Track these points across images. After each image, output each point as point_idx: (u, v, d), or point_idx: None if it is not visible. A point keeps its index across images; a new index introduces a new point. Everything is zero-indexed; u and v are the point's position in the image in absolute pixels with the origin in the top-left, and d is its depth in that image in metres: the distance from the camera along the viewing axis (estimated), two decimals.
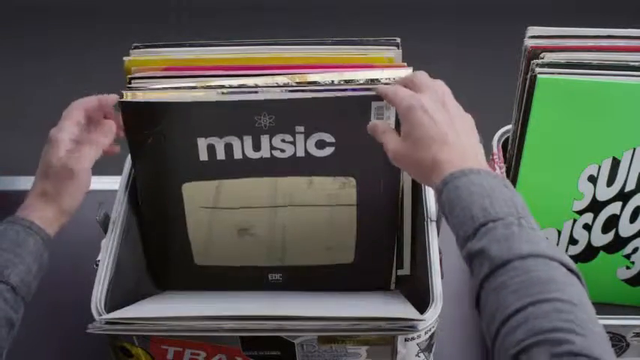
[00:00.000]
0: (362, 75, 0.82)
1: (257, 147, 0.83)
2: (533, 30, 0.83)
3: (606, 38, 0.83)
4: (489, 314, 0.59)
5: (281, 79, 0.82)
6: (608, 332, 0.80)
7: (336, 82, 0.82)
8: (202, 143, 0.83)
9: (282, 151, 0.84)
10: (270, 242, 0.91)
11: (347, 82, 0.82)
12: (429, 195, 0.88)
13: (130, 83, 0.82)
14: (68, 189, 0.77)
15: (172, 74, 0.83)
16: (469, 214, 0.63)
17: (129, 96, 0.81)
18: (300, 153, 0.84)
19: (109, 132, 0.81)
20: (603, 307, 0.97)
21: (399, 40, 0.84)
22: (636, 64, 0.81)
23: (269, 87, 0.81)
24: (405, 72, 0.83)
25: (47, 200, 0.76)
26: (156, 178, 0.87)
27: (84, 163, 0.78)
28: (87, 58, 2.22)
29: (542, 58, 0.82)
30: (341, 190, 0.87)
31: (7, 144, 2.02)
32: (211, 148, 0.83)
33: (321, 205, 0.88)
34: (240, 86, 0.81)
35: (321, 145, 0.84)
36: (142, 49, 0.84)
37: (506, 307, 0.57)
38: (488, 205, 0.63)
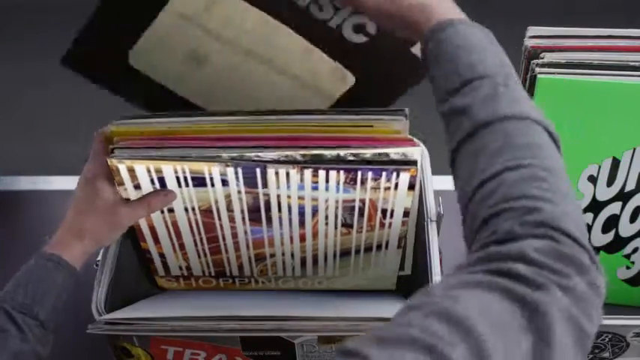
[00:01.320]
0: (369, 151, 0.75)
1: None
2: (533, 30, 0.83)
3: (606, 38, 0.83)
4: (465, 176, 0.57)
5: (279, 155, 0.75)
6: (608, 332, 0.80)
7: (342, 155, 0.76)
8: None
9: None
10: None
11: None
12: (429, 195, 0.88)
13: (112, 151, 0.76)
14: (105, 234, 0.78)
15: (155, 144, 0.76)
16: (454, 68, 0.60)
17: (115, 165, 0.75)
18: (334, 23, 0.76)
19: (167, 201, 0.79)
20: (603, 307, 0.97)
21: (407, 109, 0.77)
22: (636, 64, 0.81)
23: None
24: (416, 150, 0.76)
25: (79, 239, 0.76)
26: None
27: (133, 216, 0.78)
28: None
29: (542, 58, 0.82)
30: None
31: (7, 144, 2.02)
32: None
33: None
34: None
35: (357, 29, 0.77)
36: (126, 121, 0.77)
37: (482, 170, 0.55)
38: (476, 62, 0.60)
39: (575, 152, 0.86)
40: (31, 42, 2.36)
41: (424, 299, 0.48)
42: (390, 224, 0.83)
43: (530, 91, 0.82)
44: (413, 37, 0.67)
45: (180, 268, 0.90)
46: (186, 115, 0.78)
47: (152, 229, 0.84)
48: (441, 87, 0.61)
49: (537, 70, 0.81)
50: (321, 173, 0.76)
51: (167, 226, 0.84)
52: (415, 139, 0.77)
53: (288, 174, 0.76)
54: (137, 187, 0.78)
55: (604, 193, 0.88)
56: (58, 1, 2.39)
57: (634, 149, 0.84)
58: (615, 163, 0.86)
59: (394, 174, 0.76)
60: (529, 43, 0.82)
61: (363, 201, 0.80)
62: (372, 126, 0.76)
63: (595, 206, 0.89)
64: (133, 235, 0.86)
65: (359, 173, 0.76)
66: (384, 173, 0.76)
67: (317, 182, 0.77)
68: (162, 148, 0.75)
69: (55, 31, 2.37)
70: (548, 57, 0.82)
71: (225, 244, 0.86)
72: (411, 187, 0.78)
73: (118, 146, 0.75)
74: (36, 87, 2.20)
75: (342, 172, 0.76)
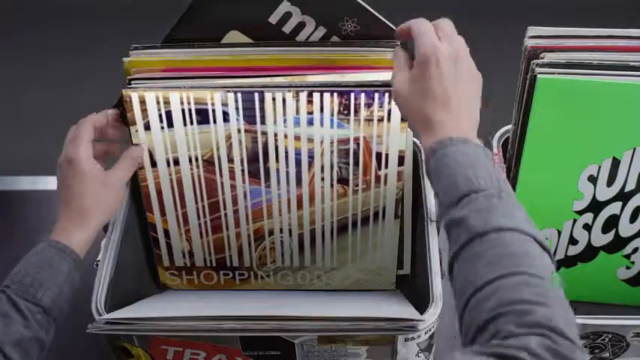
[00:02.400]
0: (363, 77, 0.82)
1: None
2: (533, 30, 0.83)
3: (606, 38, 0.83)
4: (462, 283, 0.61)
5: (280, 81, 0.82)
6: (608, 332, 0.80)
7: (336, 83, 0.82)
8: None
9: None
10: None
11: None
12: (429, 195, 0.88)
13: (129, 84, 0.82)
14: (109, 203, 0.81)
15: (172, 75, 0.83)
16: (454, 182, 0.65)
17: (129, 94, 0.81)
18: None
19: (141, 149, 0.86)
20: (603, 307, 0.97)
21: (399, 42, 0.83)
22: (636, 64, 0.81)
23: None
24: None
25: (84, 219, 0.79)
26: None
27: (124, 176, 0.83)
28: (87, 58, 2.22)
29: (542, 58, 0.82)
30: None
31: (7, 144, 2.02)
32: None
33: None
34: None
35: None
36: (141, 50, 0.84)
37: (478, 278, 0.58)
38: (472, 176, 0.64)
39: (575, 152, 0.86)
40: (31, 42, 2.36)
41: None
42: (386, 178, 0.87)
43: (530, 91, 0.82)
44: (415, 136, 0.73)
45: (184, 254, 0.93)
46: (198, 46, 0.84)
47: (159, 193, 0.88)
48: (442, 201, 0.66)
49: (537, 70, 0.81)
50: (316, 97, 0.82)
51: (172, 187, 0.88)
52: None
53: (284, 100, 0.82)
54: (147, 127, 0.84)
55: (604, 193, 0.88)
56: (58, 1, 2.39)
57: (634, 149, 0.84)
58: (615, 163, 0.86)
59: (386, 96, 0.82)
60: (529, 43, 0.82)
61: (357, 141, 0.84)
62: (367, 56, 0.83)
63: (595, 206, 0.89)
64: (140, 214, 0.90)
65: (352, 98, 0.82)
66: (376, 96, 0.82)
67: (312, 112, 0.83)
68: (174, 79, 0.82)
69: (55, 31, 2.37)
70: (548, 57, 0.82)
71: (226, 217, 0.90)
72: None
73: (134, 77, 0.82)
74: (36, 87, 2.20)
75: (335, 96, 0.82)
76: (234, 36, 0.85)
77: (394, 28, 0.84)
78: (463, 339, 0.59)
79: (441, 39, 0.72)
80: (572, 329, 0.54)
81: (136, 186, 0.90)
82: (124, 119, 0.84)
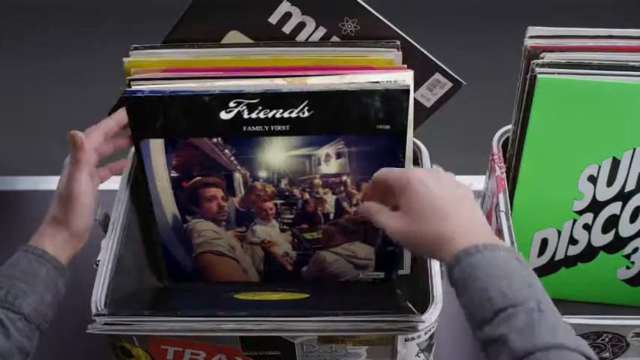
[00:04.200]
0: (363, 78, 0.82)
1: None
2: (533, 30, 0.83)
3: (606, 38, 0.83)
4: None
5: (280, 82, 0.82)
6: (608, 332, 0.80)
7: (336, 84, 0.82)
8: None
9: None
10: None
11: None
12: None
13: (129, 85, 0.82)
14: (74, 212, 0.77)
15: (172, 75, 0.83)
16: (486, 296, 0.61)
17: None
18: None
19: (116, 170, 0.87)
20: (603, 307, 0.97)
21: (399, 42, 0.84)
22: (636, 64, 0.81)
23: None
24: (406, 74, 0.83)
25: (58, 225, 0.77)
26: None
27: (83, 186, 0.78)
28: (87, 58, 2.22)
29: (542, 58, 0.82)
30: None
31: (7, 144, 2.02)
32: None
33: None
34: None
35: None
36: (141, 50, 0.84)
37: None
38: (507, 289, 0.61)
39: (575, 152, 0.86)
40: (31, 42, 2.36)
41: None
42: None
43: (530, 91, 0.82)
44: (434, 259, 0.70)
45: None
46: (198, 46, 0.84)
47: None
48: (473, 317, 0.62)
49: (537, 70, 0.81)
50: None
51: None
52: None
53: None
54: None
55: (604, 193, 0.88)
56: (58, 2, 2.40)
57: (634, 149, 0.84)
58: (615, 163, 0.86)
59: None
60: (529, 43, 0.83)
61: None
62: (366, 57, 0.83)
63: (595, 206, 0.89)
64: (140, 214, 0.90)
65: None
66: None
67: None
68: (174, 79, 0.81)
69: (55, 31, 2.37)
70: (548, 57, 0.82)
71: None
72: None
73: (134, 77, 0.82)
74: (36, 87, 2.21)
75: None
76: (234, 36, 0.85)
77: (394, 28, 0.84)
78: None
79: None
80: None
81: (134, 186, 0.90)
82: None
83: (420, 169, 0.71)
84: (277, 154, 0.83)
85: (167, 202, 0.88)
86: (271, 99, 0.79)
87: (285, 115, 0.79)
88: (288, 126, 0.80)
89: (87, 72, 2.16)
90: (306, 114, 0.79)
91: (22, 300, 0.71)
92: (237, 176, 0.85)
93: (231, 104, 0.79)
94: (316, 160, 0.84)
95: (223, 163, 0.84)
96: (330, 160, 0.83)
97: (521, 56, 0.83)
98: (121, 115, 0.82)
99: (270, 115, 0.79)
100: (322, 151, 0.83)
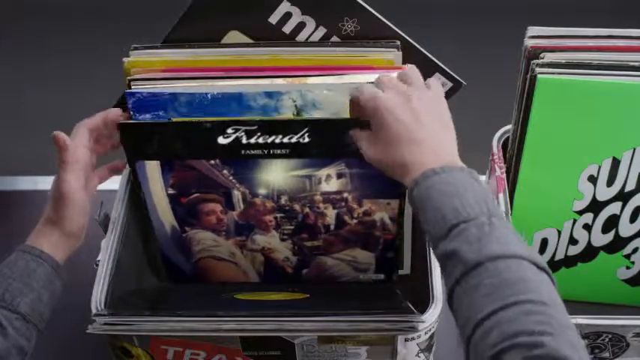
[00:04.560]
0: (362, 78, 0.82)
1: None
2: (533, 30, 0.83)
3: (606, 38, 0.83)
4: (463, 317, 0.60)
5: (280, 82, 0.82)
6: (608, 332, 0.80)
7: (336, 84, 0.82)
8: None
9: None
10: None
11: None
12: None
13: (129, 85, 0.82)
14: (65, 212, 0.77)
15: (172, 75, 0.83)
16: (440, 214, 0.63)
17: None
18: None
19: (115, 169, 0.88)
20: (603, 307, 0.97)
21: (399, 42, 0.84)
22: (636, 64, 0.81)
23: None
24: None
25: (52, 225, 0.78)
26: None
27: (71, 185, 0.78)
28: (87, 59, 2.22)
29: (542, 58, 0.82)
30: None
31: (7, 144, 2.02)
32: None
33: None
34: None
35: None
36: (141, 51, 0.84)
37: (478, 310, 0.57)
38: (459, 206, 0.63)
39: (575, 152, 0.86)
40: (31, 42, 2.36)
41: None
42: None
43: (530, 91, 0.82)
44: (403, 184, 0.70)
45: None
46: (198, 46, 0.84)
47: None
48: (431, 234, 0.65)
49: (537, 70, 0.81)
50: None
51: None
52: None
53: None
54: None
55: (604, 193, 0.88)
56: (58, 2, 2.39)
57: (634, 149, 0.84)
58: (615, 163, 0.86)
59: None
60: (529, 43, 0.83)
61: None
62: (366, 57, 0.82)
63: (595, 206, 0.89)
64: (140, 214, 0.89)
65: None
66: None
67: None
68: (174, 79, 0.81)
69: (55, 31, 2.37)
70: (548, 57, 0.82)
71: None
72: None
73: (134, 77, 0.81)
74: (36, 87, 2.20)
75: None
76: (234, 36, 0.85)
77: (394, 28, 0.84)
78: None
79: (384, 90, 0.72)
80: (580, 354, 0.54)
81: (134, 186, 0.90)
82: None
83: (388, 93, 0.71)
84: (277, 175, 0.83)
85: (165, 215, 0.88)
86: (270, 126, 0.78)
87: (285, 140, 0.79)
88: (287, 150, 0.80)
89: (87, 72, 2.16)
90: (307, 139, 0.79)
91: (19, 299, 0.71)
92: (236, 193, 0.85)
93: (229, 130, 0.78)
94: (317, 179, 0.83)
95: (222, 182, 0.84)
96: (330, 180, 0.83)
97: (521, 56, 0.83)
98: (110, 114, 0.82)
99: (269, 140, 0.79)
100: (323, 172, 0.82)
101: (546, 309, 0.56)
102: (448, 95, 0.89)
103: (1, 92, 2.19)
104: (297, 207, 0.86)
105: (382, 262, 0.91)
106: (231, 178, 0.83)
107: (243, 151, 0.80)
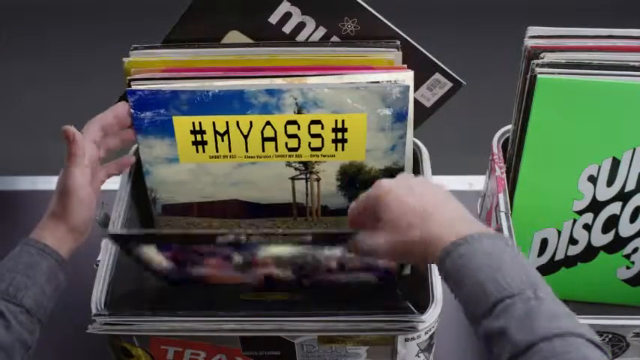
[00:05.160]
0: (362, 78, 0.82)
1: None
2: (533, 30, 0.83)
3: (606, 38, 0.83)
4: None
5: (280, 82, 0.82)
6: (608, 332, 0.80)
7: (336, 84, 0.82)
8: None
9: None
10: None
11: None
12: None
13: (129, 84, 0.82)
14: (70, 206, 0.77)
15: (172, 75, 0.83)
16: (481, 289, 0.59)
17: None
18: None
19: (122, 166, 0.87)
20: (603, 307, 0.97)
21: (399, 42, 0.84)
22: (636, 64, 0.81)
23: None
24: (406, 74, 0.83)
25: (57, 219, 0.77)
26: None
27: (77, 179, 0.78)
28: (87, 59, 2.22)
29: (542, 58, 0.82)
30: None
31: (7, 144, 2.02)
32: None
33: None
34: None
35: None
36: (141, 51, 0.84)
37: None
38: (501, 279, 0.59)
39: (575, 152, 0.86)
40: (31, 42, 2.36)
41: None
42: None
43: (530, 91, 0.82)
44: (427, 264, 0.67)
45: None
46: (198, 46, 0.84)
47: None
48: (471, 311, 0.61)
49: (537, 70, 0.81)
50: None
51: None
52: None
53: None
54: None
55: (604, 193, 0.88)
56: (58, 2, 2.40)
57: (634, 149, 0.84)
58: (615, 163, 0.86)
59: None
60: (529, 43, 0.83)
61: None
62: (366, 57, 0.83)
63: (595, 206, 0.89)
64: (140, 213, 0.89)
65: None
66: None
67: None
68: (173, 79, 0.80)
69: (55, 31, 2.37)
70: (548, 57, 0.82)
71: None
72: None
73: (134, 77, 0.82)
74: (36, 87, 2.20)
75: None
76: (234, 36, 0.85)
77: (394, 28, 0.84)
78: None
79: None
80: None
81: (134, 185, 0.90)
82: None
83: (387, 181, 0.69)
84: (278, 250, 0.81)
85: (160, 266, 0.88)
86: (271, 237, 0.77)
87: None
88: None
89: (87, 72, 2.16)
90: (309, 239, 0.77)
91: (23, 293, 0.71)
92: (237, 257, 0.82)
93: (230, 237, 0.76)
94: (320, 251, 0.82)
95: (221, 255, 0.82)
96: (333, 249, 0.82)
97: (521, 56, 0.83)
98: (119, 108, 0.82)
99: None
100: (326, 250, 0.80)
101: None
102: (448, 95, 0.89)
103: (1, 92, 2.20)
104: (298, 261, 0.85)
105: (384, 278, 0.91)
106: (230, 252, 0.81)
107: (243, 242, 0.77)
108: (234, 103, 0.80)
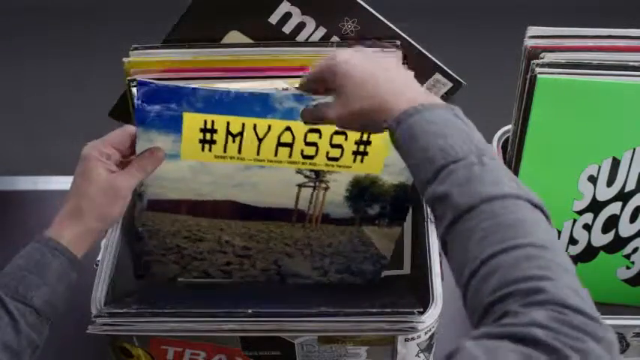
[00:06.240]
0: None
1: None
2: (533, 30, 0.83)
3: (606, 38, 0.83)
4: (458, 263, 0.57)
5: (280, 84, 0.82)
6: None
7: None
8: None
9: None
10: None
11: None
12: None
13: (129, 85, 0.82)
14: (107, 209, 0.75)
15: (171, 76, 0.83)
16: (426, 155, 0.60)
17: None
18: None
19: (157, 160, 0.80)
20: (603, 307, 0.97)
21: (399, 42, 0.84)
22: (636, 64, 0.81)
23: None
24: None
25: (78, 219, 0.74)
26: None
27: (131, 181, 0.76)
28: (87, 59, 2.22)
29: (542, 58, 0.82)
30: None
31: (7, 144, 2.02)
32: None
33: None
34: None
35: None
36: (141, 51, 0.84)
37: (475, 256, 0.55)
38: (446, 145, 0.60)
39: (575, 152, 0.86)
40: (31, 42, 2.36)
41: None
42: None
43: (530, 91, 0.82)
44: (380, 131, 0.67)
45: None
46: (198, 46, 0.83)
47: None
48: (417, 178, 0.62)
49: (537, 70, 0.81)
50: None
51: None
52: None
53: None
54: None
55: (604, 193, 0.88)
56: (58, 2, 2.40)
57: (634, 149, 0.84)
58: (615, 163, 0.86)
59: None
60: (529, 43, 0.83)
61: None
62: None
63: (595, 206, 0.89)
64: None
65: None
66: None
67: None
68: (173, 80, 0.79)
69: (55, 31, 2.37)
70: (548, 57, 0.82)
71: None
72: None
73: (134, 77, 0.81)
74: (36, 87, 2.20)
75: None
76: (234, 36, 0.85)
77: (394, 28, 0.84)
78: (470, 320, 0.55)
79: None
80: (586, 301, 0.51)
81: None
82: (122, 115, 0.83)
83: (344, 51, 0.70)
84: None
85: None
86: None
87: None
88: None
89: (87, 72, 2.16)
90: None
91: (33, 293, 0.70)
92: None
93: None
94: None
95: None
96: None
97: (521, 56, 0.83)
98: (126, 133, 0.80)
99: None
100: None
101: (546, 253, 0.53)
102: (448, 95, 0.89)
103: (2, 92, 2.19)
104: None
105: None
106: None
107: None
108: (255, 105, 0.78)
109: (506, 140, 0.93)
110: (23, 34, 2.38)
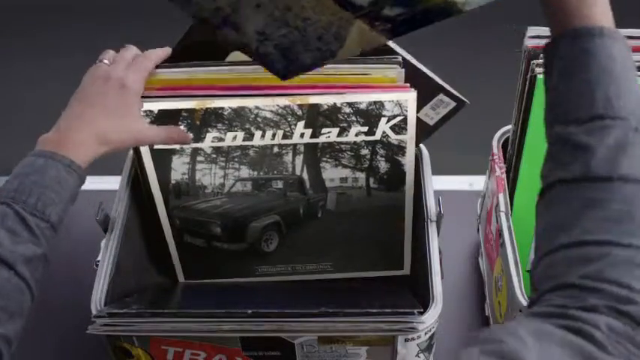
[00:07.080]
0: (365, 97, 0.81)
1: None
2: (533, 30, 0.83)
3: None
4: (558, 221, 0.53)
5: (281, 101, 0.81)
6: None
7: (338, 105, 0.81)
8: None
9: None
10: None
11: (349, 104, 0.81)
12: (429, 195, 0.88)
13: None
14: (128, 142, 0.77)
15: (168, 94, 0.81)
16: (590, 93, 0.53)
17: None
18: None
19: (184, 138, 0.82)
20: None
21: (400, 58, 0.81)
22: (636, 64, 0.81)
23: None
24: (409, 95, 0.81)
25: (85, 124, 0.76)
26: None
27: (155, 139, 0.78)
28: (87, 59, 2.22)
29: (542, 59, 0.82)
30: None
31: (7, 144, 2.02)
32: None
33: None
34: None
35: None
36: None
37: (586, 230, 0.50)
38: (613, 96, 0.53)
39: None
40: (31, 42, 2.36)
41: (494, 335, 0.48)
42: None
43: (530, 91, 0.82)
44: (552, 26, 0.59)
45: None
46: (196, 65, 0.81)
47: None
48: (563, 106, 0.55)
49: (537, 70, 0.81)
50: None
51: None
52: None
53: None
54: None
55: None
56: (58, 1, 2.40)
57: None
58: None
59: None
60: (529, 43, 0.83)
61: None
62: (368, 74, 0.81)
63: None
64: (140, 214, 0.88)
65: None
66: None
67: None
68: (170, 97, 0.79)
69: (55, 31, 2.37)
70: None
71: None
72: None
73: None
74: (36, 87, 2.20)
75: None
76: (237, 54, 0.82)
77: (396, 49, 0.82)
78: (537, 275, 0.52)
79: None
80: None
81: (134, 185, 0.90)
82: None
83: None
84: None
85: None
86: None
87: None
88: None
89: (86, 73, 2.16)
90: None
91: (51, 209, 0.70)
92: None
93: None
94: None
95: None
96: None
97: (521, 56, 0.83)
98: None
99: None
100: None
101: None
102: (452, 113, 0.88)
103: (1, 92, 2.20)
104: None
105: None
106: None
107: None
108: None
109: (506, 140, 0.93)
110: (24, 34, 2.38)
